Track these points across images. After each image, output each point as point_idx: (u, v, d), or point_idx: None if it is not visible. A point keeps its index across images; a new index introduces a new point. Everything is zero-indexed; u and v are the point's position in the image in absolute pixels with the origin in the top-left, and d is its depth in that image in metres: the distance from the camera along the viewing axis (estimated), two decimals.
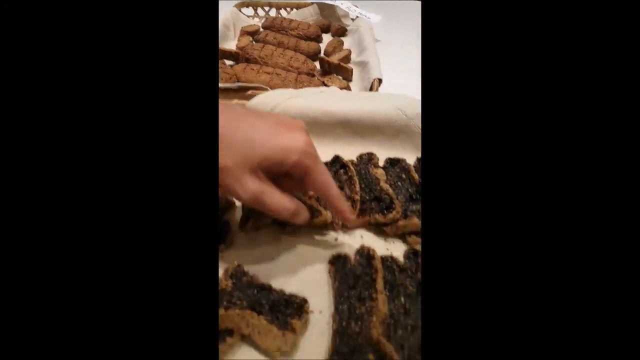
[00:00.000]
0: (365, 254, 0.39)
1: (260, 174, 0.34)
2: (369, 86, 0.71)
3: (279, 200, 0.36)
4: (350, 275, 0.37)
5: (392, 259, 0.39)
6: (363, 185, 0.48)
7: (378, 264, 0.37)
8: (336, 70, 0.80)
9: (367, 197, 0.46)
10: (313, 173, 0.35)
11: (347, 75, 0.79)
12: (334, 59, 0.82)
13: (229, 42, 0.95)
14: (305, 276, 0.41)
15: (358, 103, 0.58)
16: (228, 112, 0.34)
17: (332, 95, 0.62)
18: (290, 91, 0.61)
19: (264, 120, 0.35)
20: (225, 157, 0.33)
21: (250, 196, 0.34)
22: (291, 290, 0.38)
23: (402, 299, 0.35)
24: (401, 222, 0.43)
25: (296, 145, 0.34)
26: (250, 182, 0.34)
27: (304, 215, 0.39)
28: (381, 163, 0.53)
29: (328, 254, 0.42)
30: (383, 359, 0.29)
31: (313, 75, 0.79)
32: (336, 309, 0.36)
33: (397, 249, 0.43)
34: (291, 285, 0.40)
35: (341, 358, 0.31)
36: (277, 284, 0.40)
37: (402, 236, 0.44)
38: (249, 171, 0.34)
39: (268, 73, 0.75)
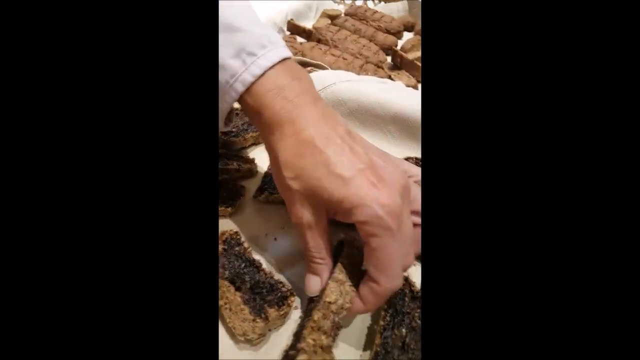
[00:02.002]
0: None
1: (322, 212, 0.29)
2: None
3: (316, 247, 0.30)
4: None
5: (407, 281, 0.32)
6: None
7: None
8: (407, 67, 0.73)
9: None
10: (375, 245, 0.27)
11: (417, 75, 0.72)
12: (409, 55, 0.75)
13: (307, 22, 0.93)
14: (303, 269, 0.36)
15: (418, 104, 0.51)
16: (325, 125, 0.29)
17: (395, 88, 0.56)
18: (349, 74, 0.56)
19: (357, 159, 0.29)
20: (295, 180, 0.29)
21: (297, 222, 0.30)
22: (282, 278, 0.34)
23: (404, 331, 0.29)
24: None
25: (373, 207, 0.27)
26: (307, 214, 0.29)
27: (314, 284, 0.30)
28: None
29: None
30: None
31: (381, 67, 0.73)
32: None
33: (417, 272, 0.36)
34: (284, 272, 0.35)
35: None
36: (269, 266, 0.36)
37: None
38: (311, 204, 0.29)
39: (335, 55, 0.71)
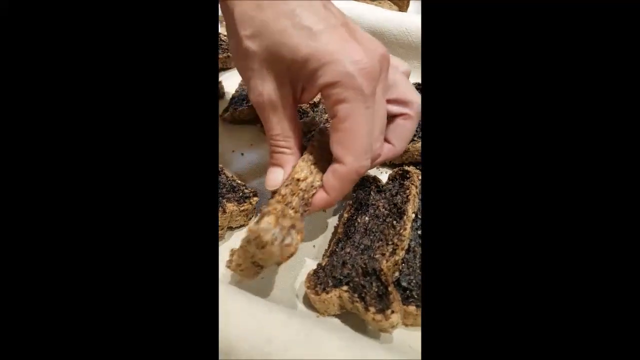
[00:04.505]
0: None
1: (286, 81, 0.25)
2: None
3: (282, 132, 0.26)
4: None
5: (374, 178, 0.31)
6: None
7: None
8: None
9: None
10: (343, 114, 0.24)
11: (401, 5, 0.68)
12: None
13: None
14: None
15: (398, 19, 0.48)
16: None
17: (372, 7, 0.52)
18: None
19: (330, 14, 0.24)
20: (253, 39, 0.24)
21: (257, 100, 0.26)
22: (246, 184, 0.33)
23: (367, 219, 0.28)
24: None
25: (344, 64, 0.23)
26: (268, 87, 0.25)
27: (275, 176, 0.27)
28: None
29: None
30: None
31: None
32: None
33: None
34: (250, 182, 0.34)
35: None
36: (232, 172, 0.34)
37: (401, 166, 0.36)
38: (274, 71, 0.25)
39: None
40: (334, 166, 0.25)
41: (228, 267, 0.24)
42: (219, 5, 0.27)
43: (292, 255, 0.22)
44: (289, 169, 0.27)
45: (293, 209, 0.24)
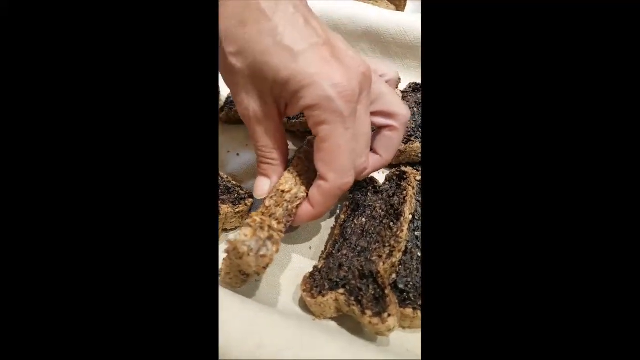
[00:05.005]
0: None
1: (270, 100, 0.25)
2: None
3: (266, 144, 0.26)
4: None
5: (372, 179, 0.31)
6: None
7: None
8: None
9: None
10: (324, 134, 0.24)
11: (399, 4, 0.68)
12: None
13: None
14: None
15: (396, 19, 0.48)
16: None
17: (369, 7, 0.52)
18: None
19: (311, 32, 0.24)
20: (237, 57, 0.24)
21: (243, 114, 0.26)
22: (242, 185, 0.32)
23: (364, 220, 0.28)
24: (401, 147, 0.35)
25: (324, 87, 0.23)
26: (253, 103, 0.26)
27: (262, 186, 0.27)
28: (403, 87, 0.44)
29: None
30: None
31: None
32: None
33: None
34: (245, 183, 0.34)
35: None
36: (227, 172, 0.34)
37: (398, 167, 0.36)
38: (257, 88, 0.25)
39: None
40: (318, 182, 0.26)
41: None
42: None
43: (267, 265, 0.23)
44: (275, 179, 0.27)
45: (277, 220, 0.25)
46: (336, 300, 0.24)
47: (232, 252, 0.22)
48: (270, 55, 0.24)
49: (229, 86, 0.27)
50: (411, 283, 0.25)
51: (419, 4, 0.65)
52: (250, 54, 0.24)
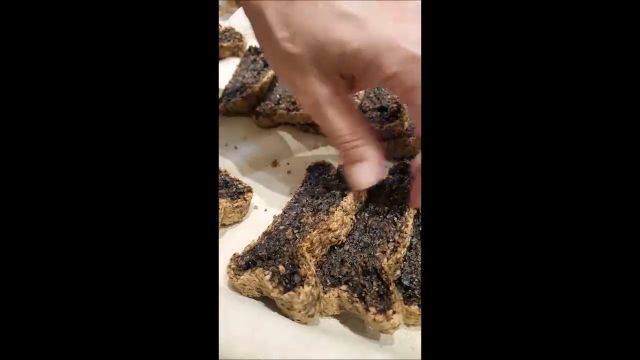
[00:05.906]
0: None
1: (337, 77, 0.23)
2: None
3: (347, 125, 0.24)
4: (321, 185, 0.29)
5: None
6: (372, 94, 0.39)
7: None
8: None
9: (371, 107, 0.37)
10: (417, 98, 0.21)
11: None
12: None
13: None
14: (265, 173, 0.34)
15: None
16: None
17: None
18: None
19: None
20: (293, 41, 0.22)
21: (310, 103, 0.24)
22: (240, 178, 0.31)
23: (366, 215, 0.27)
24: (405, 139, 0.34)
25: (404, 48, 0.20)
26: (319, 87, 0.23)
27: (362, 172, 0.25)
28: None
29: (307, 159, 0.34)
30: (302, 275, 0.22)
31: None
32: (283, 212, 0.28)
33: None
34: (245, 177, 0.33)
35: (255, 257, 0.24)
36: (225, 166, 0.33)
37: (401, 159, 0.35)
38: (321, 68, 0.23)
39: None
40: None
41: (228, 273, 0.24)
42: (243, 9, 0.25)
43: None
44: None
45: (314, 256, 0.24)
46: (339, 297, 0.23)
47: (282, 302, 0.22)
48: (332, 30, 0.21)
49: (285, 77, 0.25)
50: (416, 280, 0.24)
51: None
52: (308, 33, 0.22)
